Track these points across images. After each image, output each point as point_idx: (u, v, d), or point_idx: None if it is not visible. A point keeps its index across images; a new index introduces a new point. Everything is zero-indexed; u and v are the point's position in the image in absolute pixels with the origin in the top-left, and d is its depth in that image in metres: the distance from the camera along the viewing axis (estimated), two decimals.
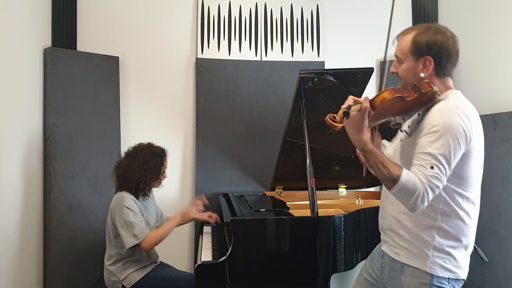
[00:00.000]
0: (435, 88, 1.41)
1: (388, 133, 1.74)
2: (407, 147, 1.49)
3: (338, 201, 2.91)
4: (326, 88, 2.48)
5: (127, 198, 2.30)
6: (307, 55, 3.41)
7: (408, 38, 1.47)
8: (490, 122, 2.71)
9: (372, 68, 2.45)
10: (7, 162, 2.42)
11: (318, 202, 2.20)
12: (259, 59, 3.36)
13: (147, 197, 2.43)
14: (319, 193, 2.34)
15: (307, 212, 2.26)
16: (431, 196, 1.33)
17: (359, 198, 2.91)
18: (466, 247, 1.46)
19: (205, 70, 3.28)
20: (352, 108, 1.32)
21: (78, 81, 2.95)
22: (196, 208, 2.56)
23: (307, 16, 3.42)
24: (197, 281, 2.07)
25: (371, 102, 1.38)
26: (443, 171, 1.33)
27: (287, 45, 3.40)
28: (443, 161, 1.32)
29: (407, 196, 1.32)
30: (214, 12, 3.32)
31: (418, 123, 1.45)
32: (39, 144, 2.79)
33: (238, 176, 3.28)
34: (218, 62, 3.28)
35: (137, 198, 2.35)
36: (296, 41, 3.40)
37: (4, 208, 2.39)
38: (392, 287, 1.54)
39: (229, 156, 3.28)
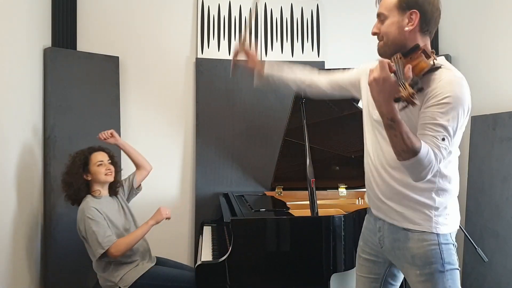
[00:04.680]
0: (436, 61, 1.37)
1: None
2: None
3: (338, 201, 2.91)
4: None
5: (87, 208, 2.26)
6: (307, 55, 3.41)
7: None
8: (490, 122, 2.70)
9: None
10: (7, 162, 2.42)
11: (318, 202, 2.21)
12: (259, 59, 3.35)
13: (101, 194, 2.38)
14: (319, 193, 2.34)
15: (307, 212, 2.26)
16: (438, 166, 1.34)
17: (359, 198, 2.92)
18: (456, 195, 1.50)
19: (205, 70, 3.28)
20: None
21: (78, 81, 2.95)
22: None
23: (307, 16, 3.42)
24: (197, 281, 2.07)
25: (412, 72, 1.31)
26: (450, 142, 1.34)
27: (287, 45, 3.40)
28: (451, 133, 1.33)
29: (421, 167, 1.29)
30: (214, 12, 3.32)
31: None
32: (39, 144, 2.79)
33: (238, 176, 3.28)
34: (218, 62, 3.28)
35: (95, 197, 2.33)
36: (296, 41, 3.40)
37: (4, 208, 2.38)
38: (397, 257, 1.51)
39: (229, 156, 3.28)
